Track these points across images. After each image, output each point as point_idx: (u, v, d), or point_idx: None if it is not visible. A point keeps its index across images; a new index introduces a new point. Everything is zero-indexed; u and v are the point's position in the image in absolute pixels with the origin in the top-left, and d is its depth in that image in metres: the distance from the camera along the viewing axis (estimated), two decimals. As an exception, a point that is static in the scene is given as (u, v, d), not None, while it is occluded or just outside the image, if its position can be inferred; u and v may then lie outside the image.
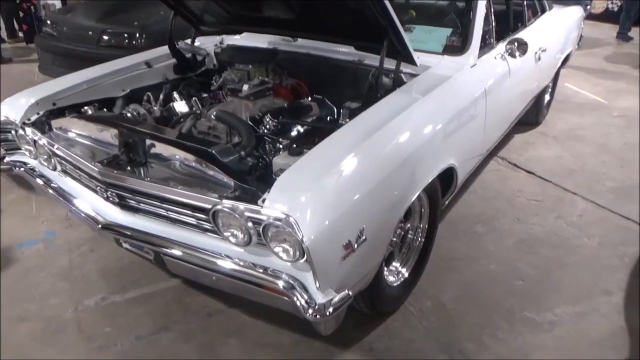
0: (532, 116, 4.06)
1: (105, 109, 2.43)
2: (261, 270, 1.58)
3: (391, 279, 2.13)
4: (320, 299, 1.48)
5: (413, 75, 2.33)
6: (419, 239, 2.26)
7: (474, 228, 2.83)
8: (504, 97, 2.75)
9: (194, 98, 2.41)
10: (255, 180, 1.79)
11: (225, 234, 1.63)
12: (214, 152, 1.73)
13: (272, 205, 1.48)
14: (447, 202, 2.46)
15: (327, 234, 1.45)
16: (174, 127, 2.27)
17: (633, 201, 3.08)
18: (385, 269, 2.12)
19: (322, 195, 1.50)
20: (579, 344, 2.04)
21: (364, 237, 1.57)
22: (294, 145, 1.89)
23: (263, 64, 2.51)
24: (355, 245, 1.54)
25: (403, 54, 2.18)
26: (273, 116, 2.12)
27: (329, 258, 1.48)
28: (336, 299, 1.50)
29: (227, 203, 1.57)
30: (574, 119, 4.39)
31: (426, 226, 2.26)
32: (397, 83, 2.29)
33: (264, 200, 1.50)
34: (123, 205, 1.90)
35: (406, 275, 2.20)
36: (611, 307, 2.24)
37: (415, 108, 1.97)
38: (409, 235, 2.24)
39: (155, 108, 2.42)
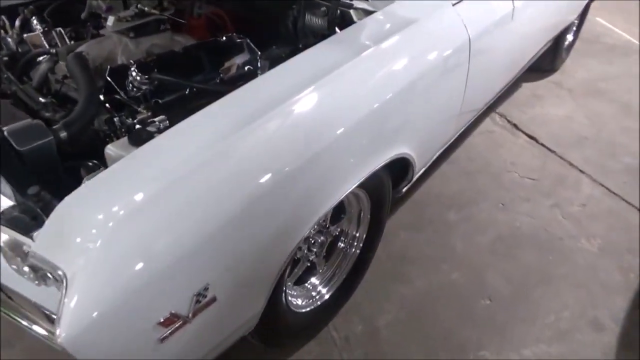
0: (546, 61, 3.26)
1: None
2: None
3: (300, 302, 1.56)
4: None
5: (369, 14, 1.61)
6: (354, 249, 1.67)
7: (444, 215, 2.23)
8: (501, 47, 1.99)
9: (58, 29, 1.71)
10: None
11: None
12: (5, 132, 1.11)
13: (42, 246, 0.89)
14: (404, 191, 1.85)
15: (118, 315, 0.86)
16: (24, 72, 1.62)
17: (654, 188, 2.44)
18: (296, 287, 1.56)
19: (121, 243, 0.88)
20: (545, 406, 1.53)
21: (208, 298, 0.98)
22: (149, 124, 1.22)
23: None
24: (190, 315, 0.96)
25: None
26: (142, 68, 1.39)
27: (129, 345, 0.91)
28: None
29: (-1, 227, 0.98)
30: (599, 67, 3.57)
31: (364, 235, 1.66)
32: (339, 24, 1.58)
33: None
34: None
35: (326, 297, 1.62)
36: (598, 349, 1.69)
37: (341, 72, 1.28)
38: (340, 244, 1.65)
39: (9, 39, 1.75)
